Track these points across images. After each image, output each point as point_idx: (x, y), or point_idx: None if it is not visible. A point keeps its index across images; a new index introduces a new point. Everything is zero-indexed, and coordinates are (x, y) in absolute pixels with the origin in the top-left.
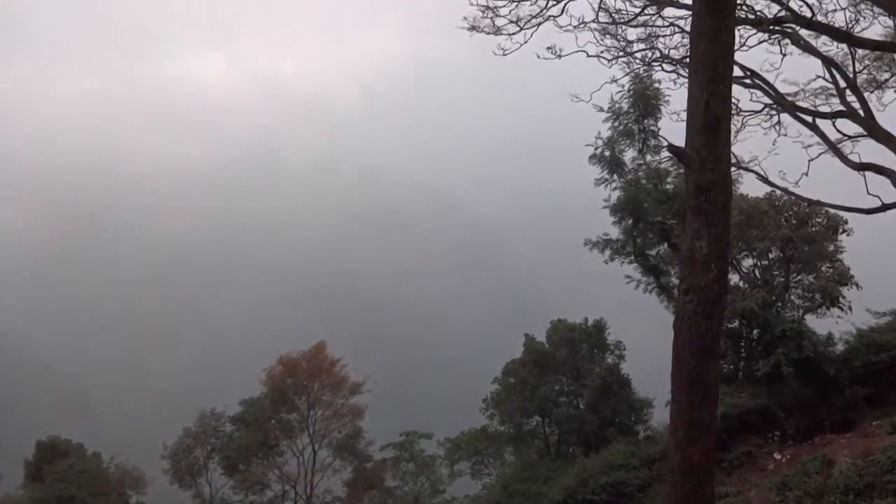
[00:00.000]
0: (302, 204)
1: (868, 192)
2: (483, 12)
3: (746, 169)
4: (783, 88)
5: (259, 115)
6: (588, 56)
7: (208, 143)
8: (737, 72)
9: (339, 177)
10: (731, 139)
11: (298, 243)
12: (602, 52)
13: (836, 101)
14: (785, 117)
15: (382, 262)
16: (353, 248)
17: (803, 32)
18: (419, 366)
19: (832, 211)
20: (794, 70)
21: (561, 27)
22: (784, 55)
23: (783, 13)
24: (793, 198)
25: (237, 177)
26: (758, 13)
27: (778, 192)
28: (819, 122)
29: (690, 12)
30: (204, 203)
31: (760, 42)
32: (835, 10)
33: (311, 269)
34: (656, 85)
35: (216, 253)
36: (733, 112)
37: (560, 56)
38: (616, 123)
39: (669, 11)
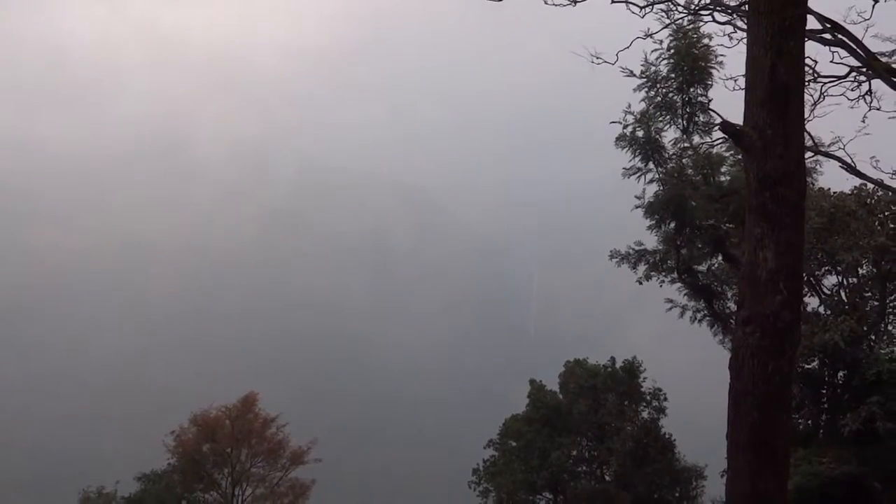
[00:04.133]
0: (219, 206)
1: None
2: None
3: (827, 155)
4: (876, 46)
5: (156, 85)
6: (613, 1)
7: (85, 124)
8: (812, 23)
9: (273, 169)
10: (806, 115)
11: (214, 259)
12: None
13: None
14: (879, 85)
15: (333, 284)
16: (291, 265)
17: None
18: (385, 423)
19: None
20: (893, 20)
21: None
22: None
23: None
24: (890, 193)
25: (127, 169)
26: None
27: (870, 185)
28: None
29: None
30: (82, 205)
31: None
32: None
33: (234, 294)
34: (706, 41)
35: (95, 272)
36: (808, 78)
37: (574, 1)
38: (652, 93)
39: None
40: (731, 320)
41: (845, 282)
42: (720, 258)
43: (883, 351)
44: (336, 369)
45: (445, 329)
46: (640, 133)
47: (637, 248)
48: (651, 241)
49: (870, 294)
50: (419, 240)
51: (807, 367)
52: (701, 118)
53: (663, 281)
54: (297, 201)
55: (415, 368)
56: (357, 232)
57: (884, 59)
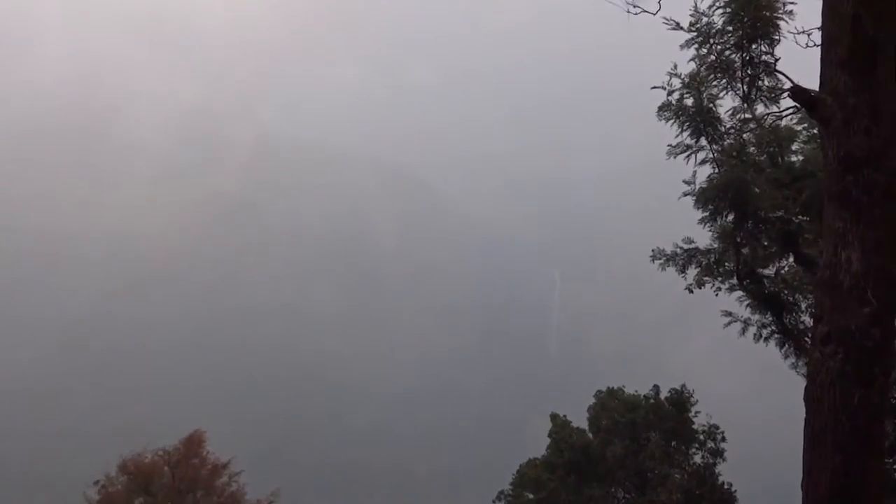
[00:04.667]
0: (154, 190)
1: None
2: None
3: None
4: None
5: (76, 41)
6: None
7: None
8: None
9: (221, 143)
10: None
11: (146, 256)
12: None
13: None
14: None
15: (298, 289)
16: (245, 264)
17: None
18: (367, 466)
19: None
20: None
21: None
22: None
23: None
24: None
25: (40, 144)
26: None
27: None
28: None
29: None
30: None
31: None
32: None
33: (171, 301)
34: None
35: None
36: None
37: None
38: (704, 51)
39: None
40: (807, 338)
41: None
42: (791, 259)
43: None
44: (303, 399)
45: (442, 346)
46: (689, 101)
47: (686, 246)
48: (704, 238)
49: None
50: (407, 233)
51: None
52: (766, 82)
53: (719, 288)
54: (252, 183)
55: (403, 396)
56: (328, 223)
57: None
